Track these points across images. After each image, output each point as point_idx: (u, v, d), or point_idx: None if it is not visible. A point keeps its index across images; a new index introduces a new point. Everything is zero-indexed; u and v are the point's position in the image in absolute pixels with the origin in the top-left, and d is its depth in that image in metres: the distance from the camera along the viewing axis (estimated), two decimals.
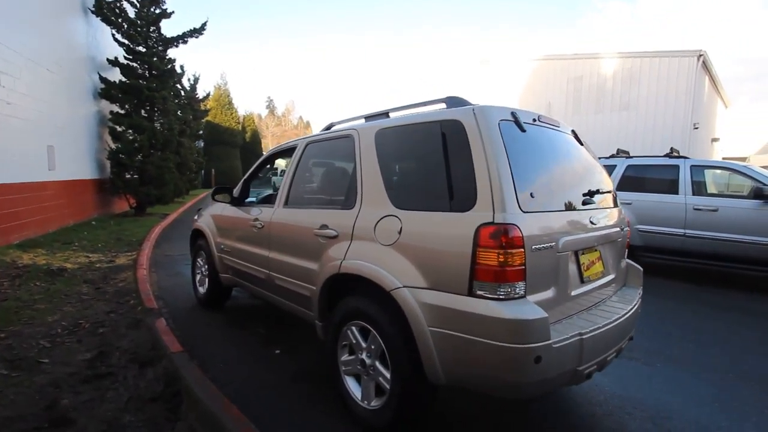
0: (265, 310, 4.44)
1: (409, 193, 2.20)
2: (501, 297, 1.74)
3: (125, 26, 10.64)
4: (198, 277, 4.61)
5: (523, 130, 2.08)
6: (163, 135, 11.27)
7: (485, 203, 1.81)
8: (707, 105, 17.25)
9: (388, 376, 2.08)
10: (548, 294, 1.95)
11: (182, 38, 11.29)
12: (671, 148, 6.63)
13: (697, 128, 14.82)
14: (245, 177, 3.93)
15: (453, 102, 2.26)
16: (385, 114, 2.74)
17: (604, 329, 2.00)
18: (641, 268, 2.79)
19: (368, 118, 2.83)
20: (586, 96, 16.75)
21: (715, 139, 19.44)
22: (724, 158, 18.96)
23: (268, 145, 66.19)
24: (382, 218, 2.19)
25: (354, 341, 2.29)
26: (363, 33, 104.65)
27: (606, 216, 2.47)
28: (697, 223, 5.69)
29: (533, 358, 1.70)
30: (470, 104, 2.18)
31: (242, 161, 37.67)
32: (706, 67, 15.39)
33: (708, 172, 6.37)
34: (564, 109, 17.14)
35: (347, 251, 2.31)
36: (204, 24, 11.31)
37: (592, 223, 2.28)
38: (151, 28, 11.19)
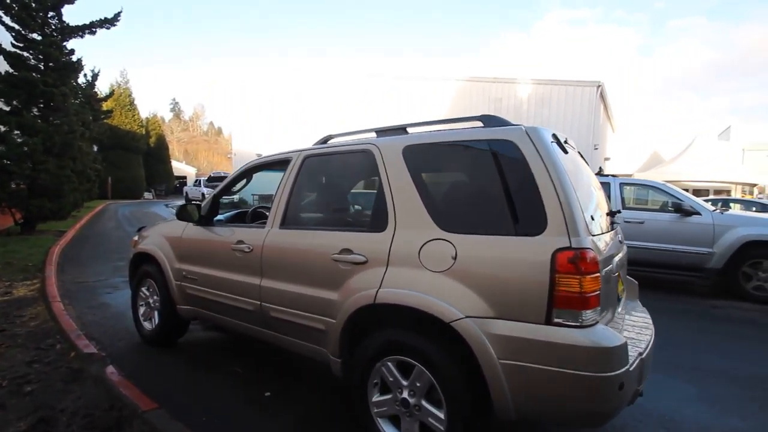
0: (232, 344, 3.92)
1: (459, 216, 2.06)
2: (581, 324, 1.70)
3: (15, 8, 8.93)
4: (142, 309, 3.92)
5: (566, 152, 2.10)
6: (61, 138, 9.61)
7: (557, 227, 1.76)
8: (603, 128, 19.84)
9: (441, 415, 1.93)
10: (608, 316, 1.98)
11: (89, 28, 9.80)
12: (600, 168, 7.42)
13: (597, 149, 16.94)
14: (215, 192, 3.45)
15: (491, 120, 2.20)
16: (401, 129, 2.58)
17: (651, 346, 2.07)
18: (636, 282, 2.98)
19: (381, 132, 2.64)
20: (505, 116, 17.90)
21: (607, 158, 22.41)
22: (613, 175, 21.81)
23: (175, 152, 60.83)
24: (427, 242, 2.03)
25: (391, 379, 2.09)
26: (285, 51, 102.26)
27: (620, 234, 2.59)
28: (627, 234, 6.39)
29: (618, 384, 1.68)
30: (511, 123, 2.16)
31: (146, 169, 34.06)
32: (602, 96, 17.76)
33: (632, 189, 7.23)
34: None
35: (383, 279, 2.10)
36: (118, 14, 9.95)
37: (620, 242, 2.36)
38: (50, 14, 9.56)
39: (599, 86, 16.62)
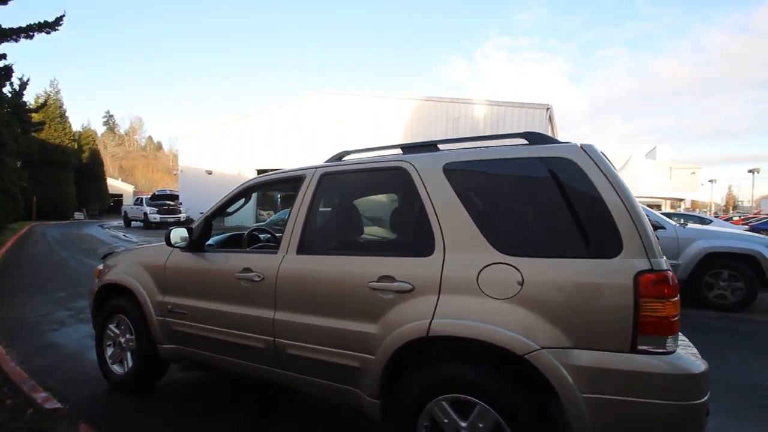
0: (220, 385, 3.48)
1: (521, 238, 1.94)
2: (665, 351, 1.64)
3: None
4: (110, 351, 3.39)
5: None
6: None
7: (634, 248, 1.69)
8: None
9: None
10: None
11: (26, 31, 8.80)
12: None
13: None
14: (207, 213, 3.07)
15: (537, 138, 2.12)
16: (432, 146, 2.44)
17: None
18: None
19: (408, 149, 2.47)
20: (462, 134, 18.79)
21: None
22: None
23: (109, 168, 56.54)
24: (486, 267, 1.89)
25: (445, 420, 1.89)
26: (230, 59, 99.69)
27: None
28: None
29: (705, 411, 1.65)
30: (555, 140, 2.10)
31: (78, 186, 31.21)
32: (550, 118, 18.90)
33: None
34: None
35: (436, 308, 1.92)
36: (60, 18, 9.04)
37: None
38: None
39: (548, 108, 17.72)
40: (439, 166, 2.18)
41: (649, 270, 1.66)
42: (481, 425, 1.81)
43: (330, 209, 2.63)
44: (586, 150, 1.89)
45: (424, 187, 2.18)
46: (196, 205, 24.97)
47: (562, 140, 2.12)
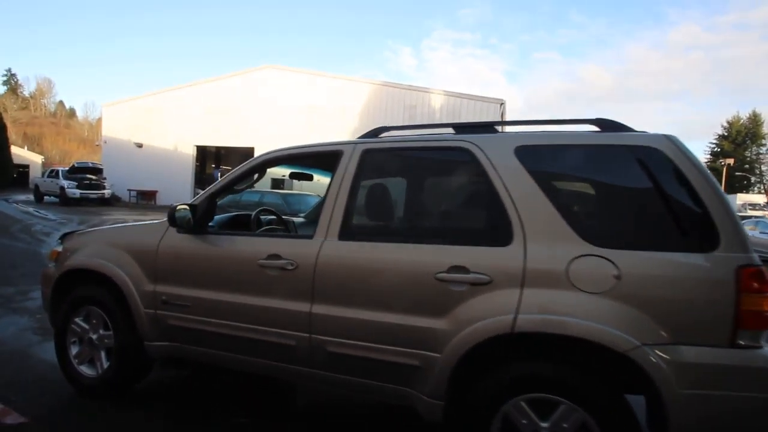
0: (210, 384, 3.07)
1: (612, 229, 1.87)
2: (760, 345, 1.65)
3: None
4: (76, 349, 2.85)
5: None
6: None
7: (732, 242, 1.68)
8: None
9: None
10: None
11: None
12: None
13: None
14: (212, 189, 2.64)
15: (610, 125, 2.04)
16: (488, 127, 2.26)
17: None
18: None
19: (461, 129, 2.27)
20: (419, 123, 18.82)
21: None
22: None
23: (12, 135, 49.17)
24: (576, 258, 1.79)
25: (524, 421, 1.78)
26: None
27: None
28: None
29: None
30: (631, 128, 2.04)
31: None
32: (503, 113, 19.53)
33: None
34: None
35: (520, 302, 1.80)
36: None
37: None
38: None
39: (502, 104, 18.33)
40: (510, 149, 2.02)
41: (748, 264, 1.65)
42: (565, 425, 1.72)
43: (377, 190, 2.33)
44: (673, 140, 1.84)
45: (495, 170, 2.01)
46: (122, 181, 22.65)
47: None
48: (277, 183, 22.01)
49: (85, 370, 2.80)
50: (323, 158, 2.46)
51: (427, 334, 1.93)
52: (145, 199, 23.28)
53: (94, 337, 2.78)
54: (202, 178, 27.32)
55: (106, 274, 2.69)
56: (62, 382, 2.81)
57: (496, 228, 1.95)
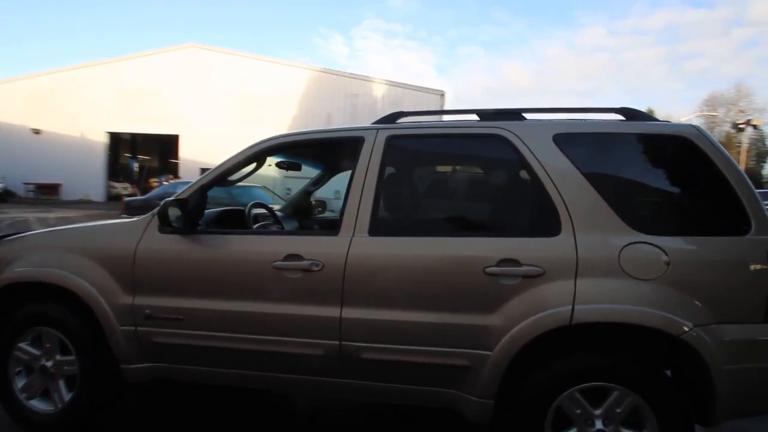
0: (192, 405, 2.69)
1: (656, 216, 1.93)
2: None
3: None
4: (23, 382, 2.34)
5: None
6: None
7: (762, 225, 1.80)
8: None
9: None
10: None
11: None
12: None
13: None
14: (204, 181, 2.27)
15: (635, 114, 2.09)
16: (516, 114, 2.20)
17: None
18: None
19: (487, 115, 2.19)
20: (361, 113, 18.58)
21: None
22: None
23: None
24: (626, 246, 1.82)
25: (577, 411, 1.81)
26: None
27: None
28: None
29: None
30: (655, 118, 2.16)
31: None
32: (442, 104, 19.97)
33: None
34: (342, 123, 18.43)
35: (575, 293, 1.79)
36: None
37: None
38: None
39: (443, 95, 18.75)
40: (548, 136, 1.99)
41: None
42: (618, 410, 1.77)
43: (402, 181, 2.16)
44: (700, 130, 1.93)
45: (536, 159, 1.96)
46: (16, 173, 19.69)
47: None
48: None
49: (37, 405, 2.30)
50: (339, 146, 2.22)
51: (477, 331, 1.86)
52: (46, 193, 20.48)
53: (49, 364, 2.28)
54: (116, 168, 24.71)
55: (66, 287, 2.20)
56: (6, 425, 2.28)
57: (543, 218, 1.91)
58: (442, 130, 2.19)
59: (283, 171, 3.20)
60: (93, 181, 20.97)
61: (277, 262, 2.02)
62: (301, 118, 18.52)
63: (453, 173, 2.29)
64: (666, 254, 1.77)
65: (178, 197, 2.16)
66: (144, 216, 2.33)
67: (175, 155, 21.96)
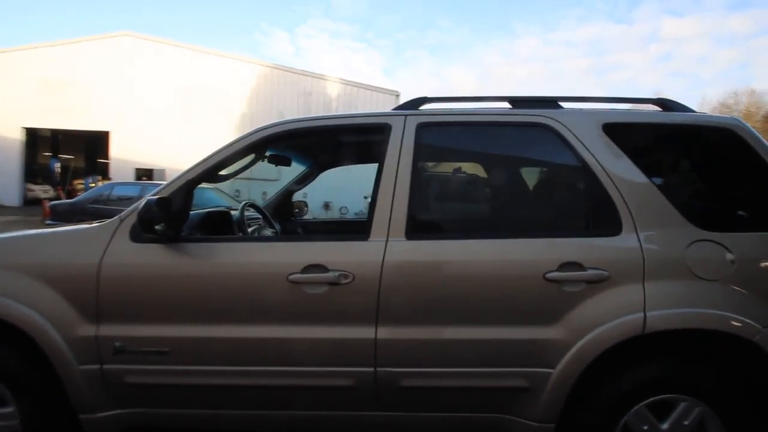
0: None
1: (714, 211, 1.86)
2: None
3: None
4: None
5: None
6: None
7: None
8: None
9: None
10: None
11: None
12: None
13: None
14: (190, 176, 1.86)
15: (673, 105, 2.01)
16: (552, 101, 2.01)
17: None
18: None
19: (518, 102, 1.98)
20: (315, 112, 18.02)
21: None
22: None
23: None
24: (690, 244, 1.71)
25: (644, 427, 1.67)
26: None
27: None
28: None
29: None
30: (692, 109, 2.05)
31: None
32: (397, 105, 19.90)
33: None
34: None
35: (645, 298, 1.65)
36: None
37: None
38: None
39: (398, 95, 18.67)
40: (598, 126, 1.84)
41: None
42: (686, 422, 1.66)
43: (441, 175, 1.89)
44: (743, 123, 1.89)
45: (587, 149, 1.80)
46: None
47: None
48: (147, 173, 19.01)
49: None
50: (358, 134, 1.89)
51: (537, 346, 1.67)
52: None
53: None
54: (33, 169, 22.14)
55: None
56: None
57: (601, 216, 1.76)
58: (478, 117, 1.96)
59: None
60: (5, 183, 18.60)
61: (294, 275, 1.67)
62: (250, 116, 17.58)
63: (493, 166, 2.05)
64: (730, 252, 1.67)
65: (161, 196, 1.71)
66: (107, 221, 1.87)
67: (105, 154, 20.07)
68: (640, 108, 2.19)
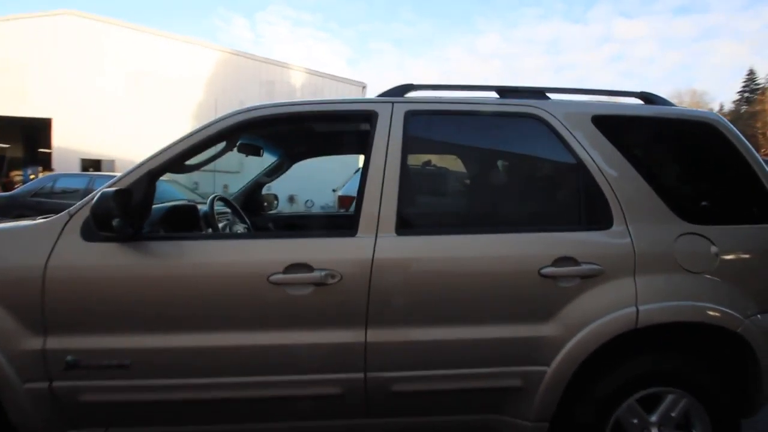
0: None
1: (698, 204, 1.90)
2: None
3: None
4: None
5: None
6: None
7: None
8: None
9: None
10: None
11: None
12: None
13: None
14: (153, 165, 1.65)
15: (655, 98, 2.05)
16: (539, 92, 1.98)
17: None
18: None
19: (505, 93, 1.93)
20: (278, 100, 17.46)
21: None
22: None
23: None
24: (678, 237, 1.74)
25: (634, 420, 1.70)
26: None
27: None
28: None
29: None
30: (672, 103, 2.11)
31: None
32: (364, 95, 19.75)
33: None
34: None
35: (637, 291, 1.66)
36: None
37: None
38: None
39: (364, 87, 18.47)
40: (587, 118, 1.83)
41: None
42: (673, 414, 1.71)
43: (430, 167, 1.79)
44: (721, 118, 1.94)
45: (577, 141, 1.78)
46: None
47: None
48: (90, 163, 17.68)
49: None
50: (340, 122, 1.76)
51: (532, 344, 1.65)
52: None
53: None
54: None
55: None
56: None
57: (592, 209, 1.77)
58: (470, 106, 1.86)
59: None
60: None
61: (275, 276, 1.52)
62: (209, 104, 16.78)
63: (485, 158, 1.98)
64: (714, 244, 1.72)
65: (118, 188, 1.51)
66: (53, 217, 1.64)
67: (47, 143, 18.58)
68: (623, 101, 2.21)
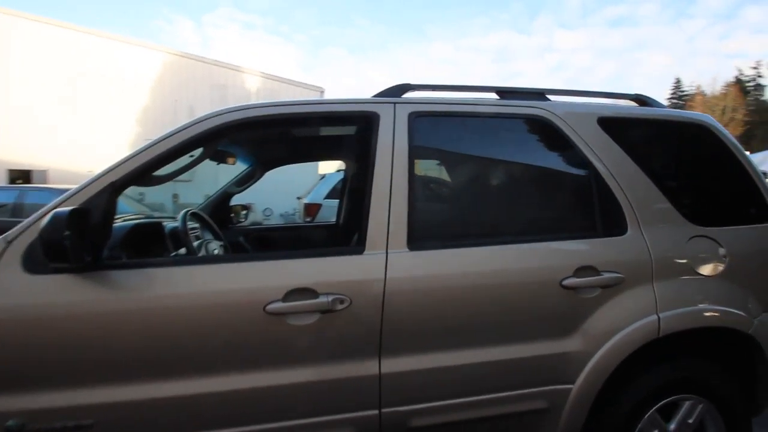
0: None
1: (703, 206, 1.89)
2: None
3: None
4: None
5: None
6: None
7: None
8: None
9: None
10: None
11: None
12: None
13: None
14: (112, 179, 1.38)
15: (648, 100, 2.06)
16: (538, 94, 1.91)
17: None
18: None
19: (505, 94, 1.84)
20: (231, 105, 16.83)
21: None
22: None
23: None
24: (689, 240, 1.72)
25: (655, 431, 1.65)
26: None
27: None
28: None
29: None
30: (664, 105, 2.12)
31: None
32: None
33: None
34: None
35: (656, 298, 1.61)
36: None
37: None
38: None
39: (322, 92, 18.18)
40: (593, 118, 1.79)
41: None
42: (690, 421, 1.67)
43: (439, 173, 1.65)
44: (712, 120, 1.97)
45: (587, 144, 1.73)
46: None
47: None
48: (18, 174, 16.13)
49: None
50: (336, 124, 1.58)
51: (557, 361, 1.55)
52: None
53: None
54: None
55: None
56: None
57: (608, 214, 1.69)
58: (474, 108, 1.74)
59: None
60: None
61: (273, 305, 1.31)
62: (154, 109, 15.88)
63: (497, 163, 1.86)
64: (722, 246, 1.72)
65: (72, 207, 1.23)
66: None
67: None
68: (620, 103, 2.19)
